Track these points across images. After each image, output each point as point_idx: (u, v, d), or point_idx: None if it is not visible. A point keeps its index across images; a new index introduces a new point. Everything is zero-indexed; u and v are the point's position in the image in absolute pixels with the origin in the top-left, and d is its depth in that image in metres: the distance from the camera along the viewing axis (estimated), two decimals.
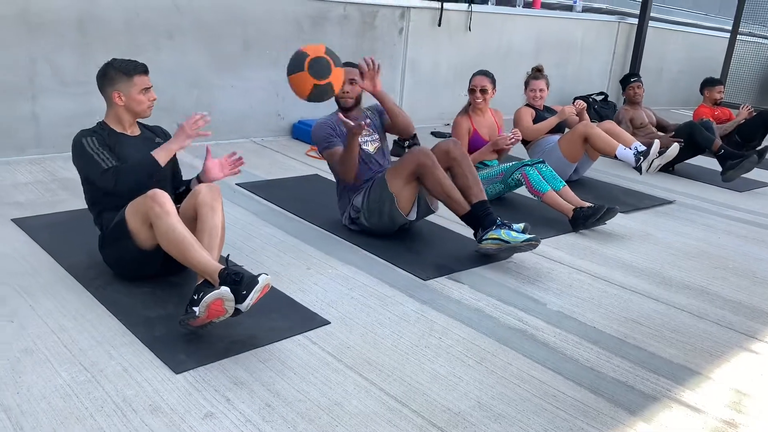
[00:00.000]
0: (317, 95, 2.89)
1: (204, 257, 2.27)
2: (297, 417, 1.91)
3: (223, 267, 2.22)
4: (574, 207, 3.78)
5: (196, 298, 2.16)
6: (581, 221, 3.72)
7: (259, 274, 2.20)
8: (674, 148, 4.42)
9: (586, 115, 4.84)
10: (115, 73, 2.66)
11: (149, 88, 2.72)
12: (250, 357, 2.18)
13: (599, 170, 5.21)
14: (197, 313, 2.12)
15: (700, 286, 3.11)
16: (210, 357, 2.16)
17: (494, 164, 4.23)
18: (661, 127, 5.68)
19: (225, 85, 5.12)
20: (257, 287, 2.15)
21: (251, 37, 5.17)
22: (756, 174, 5.47)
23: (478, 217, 3.10)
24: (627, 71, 8.80)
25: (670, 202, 4.57)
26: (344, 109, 3.44)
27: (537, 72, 4.87)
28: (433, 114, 6.67)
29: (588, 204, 3.80)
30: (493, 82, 4.21)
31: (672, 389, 2.23)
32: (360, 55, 6.15)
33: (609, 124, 4.74)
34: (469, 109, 4.25)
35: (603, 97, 7.97)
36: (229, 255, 2.36)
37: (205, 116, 2.66)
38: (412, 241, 3.37)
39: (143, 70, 2.70)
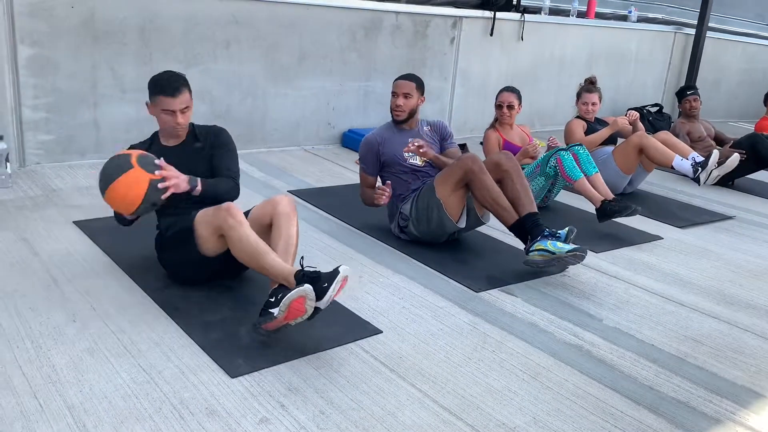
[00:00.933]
0: (149, 196, 2.44)
1: (278, 262, 2.32)
2: (351, 425, 1.90)
3: (298, 269, 2.25)
4: (602, 198, 3.77)
5: (273, 300, 2.19)
6: (607, 214, 3.71)
7: (338, 267, 2.24)
8: (735, 158, 4.28)
9: (641, 125, 4.74)
10: (150, 86, 2.70)
11: (174, 111, 2.66)
12: (304, 364, 2.19)
13: (654, 183, 5.09)
14: (276, 314, 2.15)
15: (764, 306, 3.00)
16: (265, 362, 2.18)
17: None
18: (719, 140, 5.51)
19: (279, 94, 5.19)
20: (338, 278, 2.19)
21: (306, 47, 5.24)
22: None
23: (527, 227, 3.06)
24: (683, 83, 8.58)
25: (730, 218, 4.42)
26: (397, 122, 3.47)
27: (590, 84, 4.80)
28: (483, 124, 6.54)
29: (614, 196, 3.84)
30: (520, 98, 4.30)
31: (736, 412, 2.14)
32: (411, 64, 6.18)
33: (665, 134, 4.63)
34: (496, 124, 4.29)
35: (658, 108, 7.79)
36: (303, 257, 2.37)
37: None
38: (462, 252, 3.34)
39: (169, 92, 2.63)
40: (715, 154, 4.27)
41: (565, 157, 3.90)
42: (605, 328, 2.65)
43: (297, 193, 4.10)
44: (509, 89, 4.30)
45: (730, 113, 9.32)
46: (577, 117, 4.84)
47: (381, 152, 3.45)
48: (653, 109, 7.77)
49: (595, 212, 3.81)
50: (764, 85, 8.61)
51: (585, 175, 3.92)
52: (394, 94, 3.46)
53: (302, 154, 5.24)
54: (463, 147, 5.34)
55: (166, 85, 2.65)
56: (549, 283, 3.04)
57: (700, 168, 4.24)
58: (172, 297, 2.58)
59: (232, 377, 2.08)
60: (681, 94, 5.44)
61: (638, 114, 4.72)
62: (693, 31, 8.34)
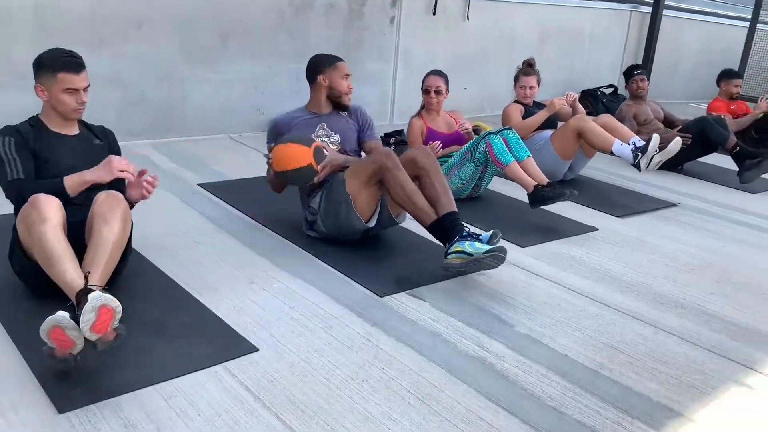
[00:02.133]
0: (300, 173, 2.82)
1: (70, 273, 1.96)
2: None
3: (82, 287, 1.90)
4: (535, 183, 3.52)
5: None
6: (539, 200, 3.48)
7: (89, 292, 1.85)
8: (676, 143, 4.04)
9: (581, 108, 4.48)
10: (42, 65, 2.37)
11: (79, 90, 2.37)
12: (154, 393, 1.89)
13: (599, 169, 4.84)
14: (48, 344, 1.82)
15: (696, 305, 2.76)
16: (108, 392, 1.87)
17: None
18: (669, 122, 5.28)
19: (199, 78, 4.84)
20: (86, 308, 1.79)
21: (228, 27, 4.88)
22: None
23: (445, 227, 2.78)
24: (641, 63, 8.37)
25: (673, 205, 4.19)
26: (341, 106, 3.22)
27: (528, 66, 4.53)
28: None
29: (548, 181, 3.58)
30: (447, 82, 4.05)
31: None
32: (347, 46, 5.83)
33: (606, 117, 4.37)
34: (422, 111, 4.05)
35: (612, 90, 7.56)
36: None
37: (154, 179, 2.43)
38: (377, 250, 3.06)
39: (74, 68, 2.34)
40: (655, 138, 4.01)
41: (495, 141, 3.63)
42: (516, 335, 2.38)
43: (206, 187, 3.78)
44: (436, 72, 4.03)
45: (689, 94, 9.13)
46: (515, 101, 4.57)
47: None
48: (608, 91, 7.54)
49: (527, 199, 3.56)
50: (722, 65, 8.41)
51: (516, 161, 3.66)
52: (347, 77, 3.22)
53: (228, 142, 4.90)
54: (400, 133, 5.06)
55: (71, 62, 2.34)
56: (464, 284, 2.77)
57: (640, 153, 3.99)
58: (21, 313, 2.25)
59: (60, 413, 1.77)
60: (628, 75, 5.19)
61: (576, 96, 4.46)
62: (650, 9, 8.11)
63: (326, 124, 3.19)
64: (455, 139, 4.02)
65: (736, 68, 7.93)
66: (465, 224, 2.80)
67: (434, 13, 6.03)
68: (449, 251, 2.68)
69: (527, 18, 6.97)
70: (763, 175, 4.69)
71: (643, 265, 3.16)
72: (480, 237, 2.70)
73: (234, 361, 2.08)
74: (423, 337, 2.32)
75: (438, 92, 3.95)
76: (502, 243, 2.69)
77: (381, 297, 2.59)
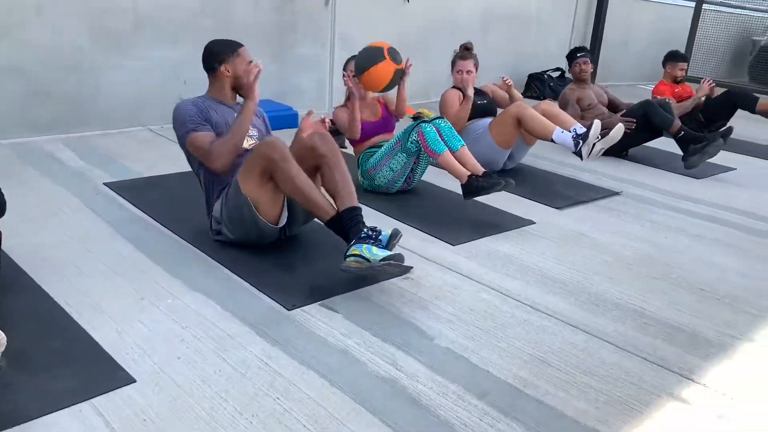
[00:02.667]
0: (394, 81, 3.25)
1: None
2: None
3: None
4: (469, 173, 3.30)
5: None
6: (473, 191, 3.27)
7: None
8: (618, 130, 3.85)
9: (517, 94, 4.28)
10: None
11: None
12: None
13: (542, 157, 4.66)
14: None
15: (633, 305, 2.57)
16: None
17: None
18: (614, 106, 5.12)
19: (112, 65, 4.47)
20: None
21: (143, 10, 4.51)
22: (718, 157, 4.95)
23: (344, 226, 2.53)
24: (588, 46, 8.23)
25: (616, 194, 4.02)
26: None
27: (465, 50, 4.29)
28: None
29: (483, 171, 3.36)
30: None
31: None
32: (280, 30, 5.51)
33: (546, 104, 4.16)
34: (347, 100, 3.78)
35: (560, 73, 7.40)
36: None
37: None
38: (294, 253, 2.79)
39: None
40: (596, 124, 3.81)
41: (427, 130, 3.39)
42: (435, 350, 2.15)
43: (113, 186, 3.45)
44: (354, 58, 3.76)
45: (640, 75, 9.06)
46: (453, 87, 4.34)
47: (207, 116, 2.78)
48: (555, 74, 7.38)
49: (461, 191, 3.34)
50: (675, 45, 8.33)
51: (450, 150, 3.43)
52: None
53: (146, 135, 4.56)
54: (334, 133, 4.78)
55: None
56: (384, 289, 2.53)
57: (581, 140, 3.79)
58: None
59: None
60: (571, 57, 4.99)
61: (512, 81, 4.26)
62: None
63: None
64: (381, 126, 3.77)
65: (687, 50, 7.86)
66: (367, 226, 2.52)
67: None
68: (347, 254, 2.44)
69: (470, 2, 6.74)
70: (709, 160, 4.57)
71: (579, 261, 2.96)
72: (380, 237, 2.46)
73: (104, 396, 1.80)
74: (330, 357, 2.07)
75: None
76: (435, 241, 2.47)
77: (289, 310, 2.33)
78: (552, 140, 3.88)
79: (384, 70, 3.19)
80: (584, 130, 3.83)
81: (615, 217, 3.61)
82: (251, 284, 2.49)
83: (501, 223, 3.35)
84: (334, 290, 2.49)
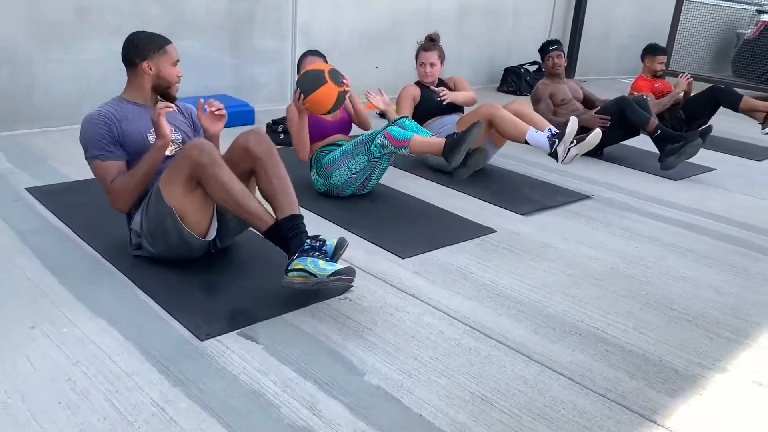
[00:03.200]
0: (339, 102, 3.11)
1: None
2: None
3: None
4: (444, 144, 3.09)
5: None
6: (457, 144, 3.04)
7: None
8: (595, 136, 3.58)
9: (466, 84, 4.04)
10: None
11: None
12: None
13: (512, 157, 4.39)
14: None
15: (594, 329, 2.31)
16: None
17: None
18: (589, 102, 4.85)
19: (50, 59, 4.15)
20: None
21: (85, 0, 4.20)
22: (697, 156, 4.70)
23: (284, 237, 2.26)
24: (568, 38, 7.97)
25: (587, 197, 3.76)
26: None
27: (429, 41, 4.01)
28: None
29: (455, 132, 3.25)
30: (326, 61, 3.51)
31: None
32: (235, 20, 5.14)
33: (518, 104, 3.89)
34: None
35: (537, 66, 7.13)
36: None
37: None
38: (222, 271, 2.51)
39: None
40: (572, 122, 3.55)
41: (393, 129, 3.15)
42: (363, 389, 1.88)
43: (34, 191, 3.15)
44: (314, 53, 3.53)
45: (622, 69, 8.81)
46: (417, 83, 4.07)
47: (120, 131, 2.50)
48: (532, 68, 7.10)
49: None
50: (658, 38, 8.07)
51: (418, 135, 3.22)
52: None
53: None
54: (284, 119, 4.49)
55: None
56: (316, 313, 2.26)
57: (557, 140, 3.53)
58: None
59: None
60: (543, 51, 4.72)
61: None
62: None
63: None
64: (339, 126, 3.49)
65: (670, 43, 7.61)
66: (310, 236, 2.26)
67: None
68: (289, 268, 2.17)
69: None
70: (688, 160, 4.32)
71: (540, 276, 2.70)
72: (324, 248, 2.19)
73: None
74: (239, 400, 1.79)
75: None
76: (382, 254, 2.18)
77: (202, 341, 2.05)
78: (526, 142, 3.62)
79: (326, 93, 3.05)
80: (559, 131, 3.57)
81: (584, 223, 3.35)
82: (164, 308, 2.21)
83: (458, 232, 3.08)
84: (259, 314, 2.21)
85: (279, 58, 5.28)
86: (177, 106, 2.74)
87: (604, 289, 2.64)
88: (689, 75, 5.26)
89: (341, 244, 2.25)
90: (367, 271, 2.61)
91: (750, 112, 5.25)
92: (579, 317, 2.39)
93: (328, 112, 3.15)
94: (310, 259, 2.13)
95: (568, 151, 3.53)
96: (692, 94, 5.29)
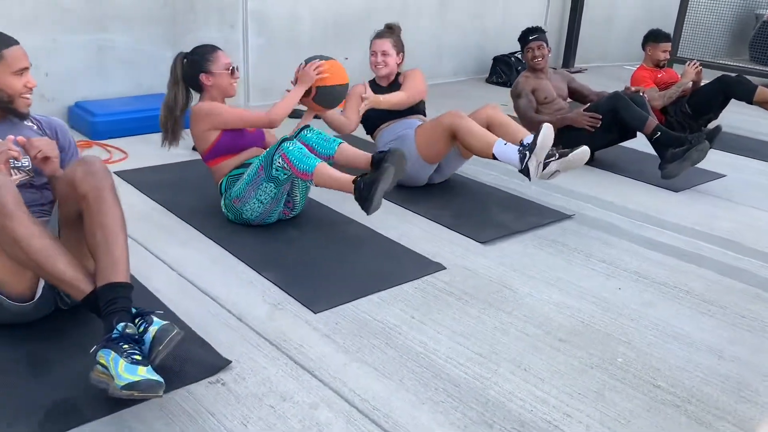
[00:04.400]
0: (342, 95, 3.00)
1: None
2: None
3: None
4: (353, 179, 2.45)
5: None
6: (365, 198, 2.41)
7: None
8: (582, 154, 2.90)
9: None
10: None
11: None
12: None
13: (486, 164, 3.74)
14: None
15: (546, 423, 1.71)
16: None
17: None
18: (580, 97, 4.19)
19: None
20: None
21: None
22: (704, 160, 4.06)
23: (99, 311, 1.68)
24: (567, 21, 7.29)
25: (567, 217, 3.14)
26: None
27: (387, 29, 3.40)
28: None
29: (372, 155, 2.56)
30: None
31: None
32: (172, 8, 4.37)
33: (491, 109, 3.23)
34: (206, 97, 2.83)
35: None
36: None
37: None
38: (58, 341, 1.92)
39: None
40: (546, 129, 2.88)
41: (291, 149, 2.52)
42: None
43: None
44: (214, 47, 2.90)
45: (626, 55, 8.10)
46: (371, 81, 3.47)
47: None
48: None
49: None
50: (666, 21, 7.36)
51: (329, 157, 2.61)
52: None
53: None
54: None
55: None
56: (170, 404, 1.68)
57: (527, 152, 2.89)
58: None
59: None
60: (522, 41, 4.06)
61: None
62: None
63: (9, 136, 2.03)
64: (254, 138, 2.89)
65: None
66: (132, 312, 1.69)
67: None
68: (95, 355, 1.59)
69: None
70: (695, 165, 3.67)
71: (488, 337, 2.10)
72: (144, 336, 1.61)
73: None
74: None
75: (231, 71, 2.81)
76: (291, 306, 1.57)
77: None
78: (494, 157, 2.98)
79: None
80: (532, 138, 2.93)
81: (557, 255, 2.73)
82: None
83: (398, 271, 2.48)
84: (87, 412, 1.63)
85: (228, 50, 4.64)
86: (36, 121, 2.18)
87: (570, 355, 2.03)
88: (697, 62, 4.59)
89: (160, 338, 1.62)
90: (263, 334, 2.03)
91: (766, 104, 4.58)
92: (529, 405, 1.79)
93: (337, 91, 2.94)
94: (113, 354, 1.55)
95: (544, 166, 2.88)
96: (701, 84, 4.62)
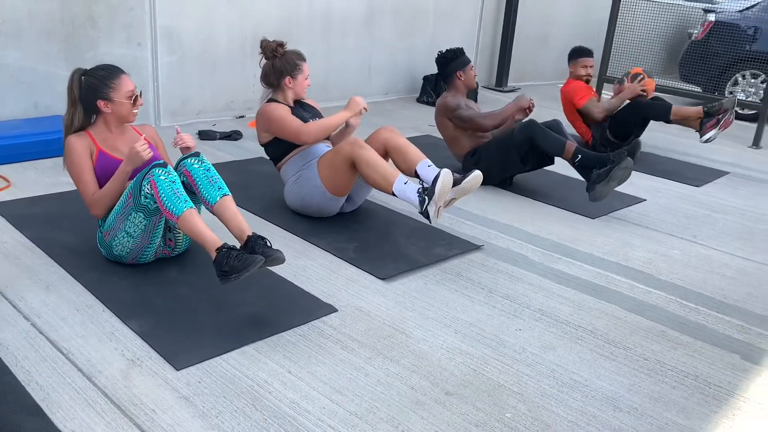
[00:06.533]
0: None
1: None
2: None
3: None
4: (218, 246, 2.17)
5: None
6: (225, 273, 2.11)
7: None
8: (475, 178, 2.76)
9: (352, 122, 3.20)
10: None
11: None
12: None
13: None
14: None
15: None
16: None
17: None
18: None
19: None
20: None
21: None
22: (627, 184, 4.00)
23: None
24: (499, 41, 7.25)
25: (476, 248, 2.99)
26: None
27: (288, 50, 3.22)
28: (215, 104, 4.93)
29: (249, 235, 2.23)
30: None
31: None
32: (71, 24, 3.96)
33: (388, 132, 3.05)
34: (99, 121, 2.57)
35: None
36: None
37: None
38: None
39: None
40: (444, 175, 2.62)
41: (162, 178, 2.27)
42: None
43: None
44: (119, 69, 2.64)
45: (561, 74, 8.07)
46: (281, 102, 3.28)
47: None
48: None
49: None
50: (598, 40, 7.39)
51: (208, 203, 2.35)
52: None
53: None
54: None
55: None
56: None
57: (427, 198, 2.70)
58: None
59: None
60: (460, 64, 3.89)
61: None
62: None
63: None
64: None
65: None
66: None
67: None
68: None
69: None
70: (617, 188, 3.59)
71: (369, 393, 1.91)
72: None
73: None
74: None
75: (134, 99, 2.52)
76: (152, 360, 1.37)
77: None
78: (392, 193, 2.81)
79: None
80: (437, 171, 2.75)
81: (459, 291, 2.58)
82: None
83: (280, 316, 2.27)
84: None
85: (136, 68, 4.40)
86: None
87: (454, 411, 1.86)
88: (645, 75, 4.58)
89: None
90: (113, 397, 1.80)
91: (683, 121, 4.56)
92: None
93: None
94: None
95: (439, 209, 2.71)
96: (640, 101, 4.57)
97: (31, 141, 3.69)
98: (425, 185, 2.74)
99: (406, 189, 2.76)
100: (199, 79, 4.77)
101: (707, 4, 8.33)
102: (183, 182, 2.37)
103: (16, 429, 1.62)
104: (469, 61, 3.89)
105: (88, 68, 2.53)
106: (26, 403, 1.72)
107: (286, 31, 5.20)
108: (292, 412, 1.80)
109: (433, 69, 6.48)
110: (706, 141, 4.42)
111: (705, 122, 4.42)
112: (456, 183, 2.71)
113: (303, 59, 3.18)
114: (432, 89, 6.14)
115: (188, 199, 2.26)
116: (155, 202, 2.29)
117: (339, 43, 5.63)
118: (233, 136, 4.48)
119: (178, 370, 1.94)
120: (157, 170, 2.27)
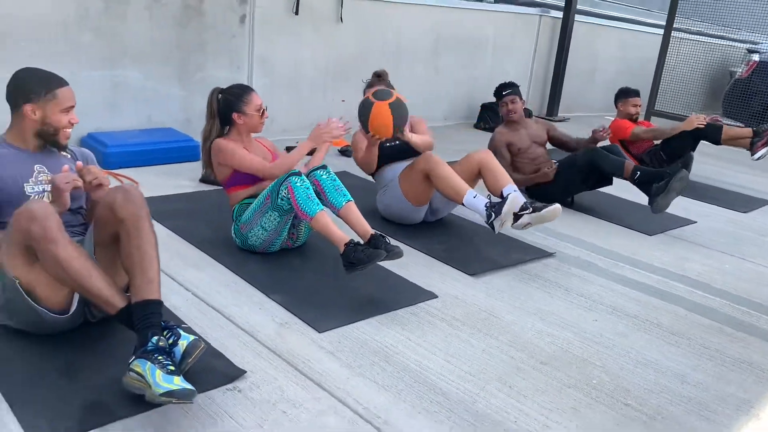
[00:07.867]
0: (397, 114, 3.15)
1: None
2: None
3: None
4: (346, 241, 2.60)
5: None
6: (350, 265, 2.56)
7: None
8: (554, 211, 3.12)
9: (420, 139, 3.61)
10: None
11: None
12: None
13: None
14: None
15: None
16: None
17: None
18: (559, 143, 4.49)
19: None
20: None
21: (4, 23, 3.86)
22: (679, 208, 4.35)
23: (133, 326, 1.89)
24: (551, 72, 7.69)
25: (549, 255, 3.39)
26: None
27: (375, 78, 3.69)
28: (299, 123, 5.44)
29: (372, 233, 2.68)
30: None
31: None
32: (185, 49, 4.75)
33: (485, 154, 3.41)
34: (233, 132, 3.07)
35: None
36: None
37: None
38: (92, 349, 2.11)
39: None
40: (512, 199, 3.08)
41: (298, 185, 2.73)
42: None
43: None
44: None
45: (607, 106, 8.45)
46: None
47: None
48: None
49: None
50: (645, 74, 7.79)
51: (334, 207, 2.80)
52: None
53: None
54: None
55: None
56: (193, 406, 1.87)
57: (494, 213, 3.10)
58: None
59: None
60: (497, 96, 4.35)
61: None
62: (561, 15, 7.42)
63: (45, 165, 2.26)
64: None
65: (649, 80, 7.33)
66: (162, 327, 1.90)
67: (296, 13, 5.12)
68: (129, 366, 1.79)
69: (417, 21, 6.15)
70: (668, 210, 3.94)
71: (477, 358, 2.31)
72: (175, 348, 1.81)
73: None
74: None
75: (262, 112, 3.03)
76: (298, 324, 1.78)
77: None
78: (463, 204, 3.23)
79: (379, 113, 3.13)
80: (514, 192, 3.16)
81: (539, 288, 2.98)
82: (5, 399, 1.82)
83: (394, 298, 2.70)
84: (118, 410, 1.82)
85: None
86: (70, 151, 2.40)
87: (550, 375, 2.25)
88: (704, 116, 4.97)
89: (190, 351, 1.85)
90: (273, 349, 2.23)
91: (733, 141, 4.99)
92: (513, 416, 2.00)
93: (396, 129, 3.17)
94: (149, 365, 1.75)
95: (517, 218, 3.07)
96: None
97: (150, 149, 4.21)
98: (493, 200, 3.15)
99: (475, 202, 3.15)
100: (287, 100, 5.29)
101: (751, 44, 8.68)
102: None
103: (209, 367, 2.05)
104: (503, 96, 4.26)
105: (223, 87, 3.04)
106: (209, 349, 2.16)
107: (361, 61, 5.71)
108: (417, 368, 2.21)
109: (492, 98, 6.96)
110: (758, 159, 4.82)
111: (755, 141, 4.82)
112: (536, 210, 3.10)
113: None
114: (490, 117, 6.59)
115: (319, 202, 2.72)
116: (290, 204, 2.75)
117: (408, 73, 6.12)
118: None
119: (320, 332, 2.37)
120: (293, 178, 2.74)
